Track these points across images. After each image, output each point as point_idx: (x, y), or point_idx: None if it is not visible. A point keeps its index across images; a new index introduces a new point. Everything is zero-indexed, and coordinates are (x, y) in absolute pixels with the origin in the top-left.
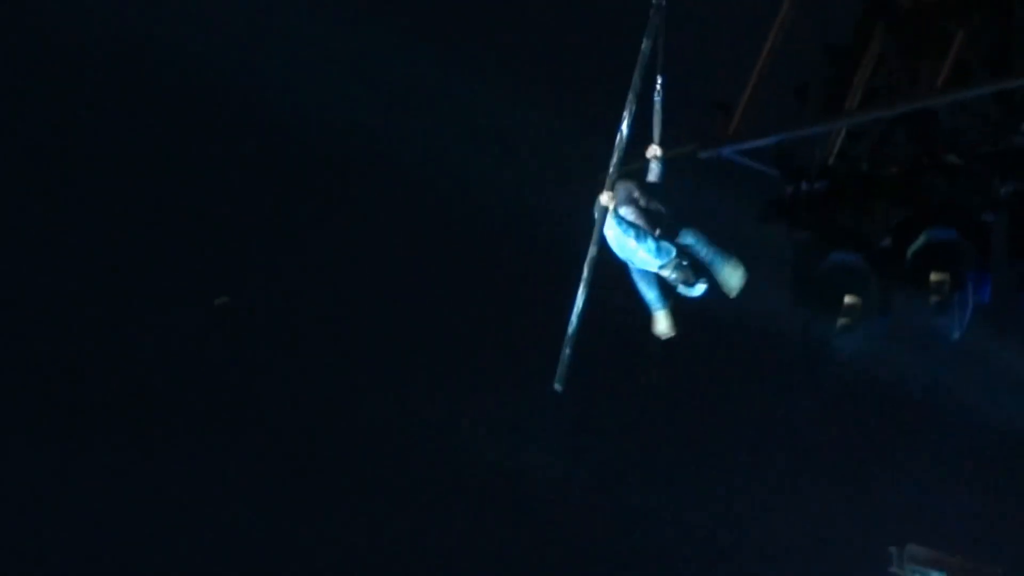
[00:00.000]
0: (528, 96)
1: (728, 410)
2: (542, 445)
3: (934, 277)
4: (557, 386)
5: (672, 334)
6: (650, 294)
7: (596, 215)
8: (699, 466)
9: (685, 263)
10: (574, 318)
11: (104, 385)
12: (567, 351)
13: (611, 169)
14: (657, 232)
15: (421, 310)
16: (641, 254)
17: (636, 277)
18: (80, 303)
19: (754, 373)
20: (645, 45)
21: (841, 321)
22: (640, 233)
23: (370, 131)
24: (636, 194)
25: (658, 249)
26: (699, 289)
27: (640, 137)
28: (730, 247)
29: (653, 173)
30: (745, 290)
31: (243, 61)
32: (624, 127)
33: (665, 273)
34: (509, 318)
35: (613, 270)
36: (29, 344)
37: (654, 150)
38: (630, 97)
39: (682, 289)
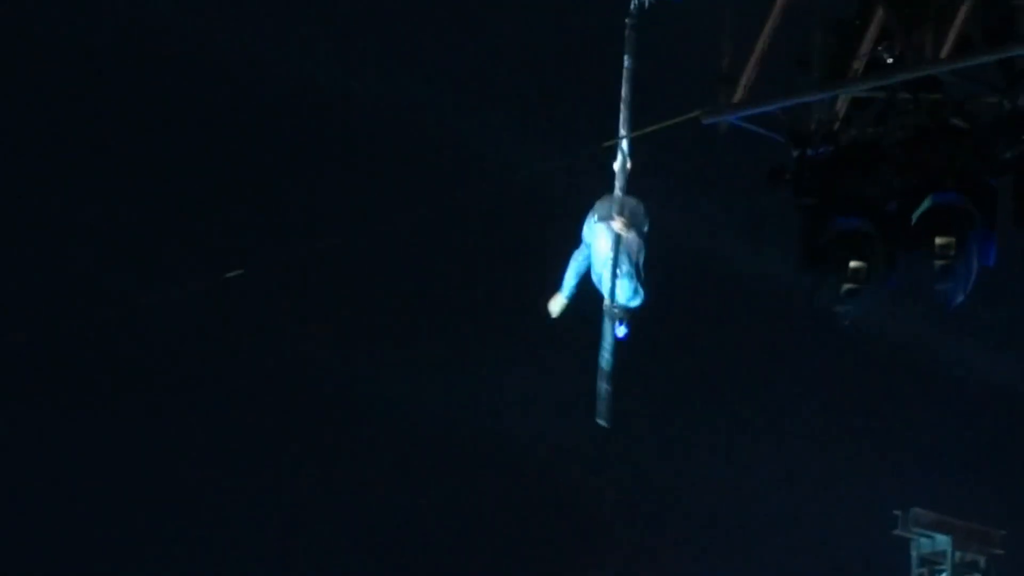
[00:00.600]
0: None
1: (734, 376)
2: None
3: (939, 241)
4: (602, 422)
5: (554, 316)
6: (571, 280)
7: (611, 245)
8: (705, 432)
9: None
10: (607, 353)
11: (115, 358)
12: (605, 387)
13: (618, 192)
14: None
15: (445, 282)
16: (605, 286)
17: (578, 258)
18: (89, 277)
19: (760, 338)
20: (628, 62)
21: (847, 285)
22: (632, 272)
23: (391, 105)
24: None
25: (634, 292)
26: (619, 330)
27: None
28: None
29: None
30: (753, 257)
31: (251, 35)
32: (624, 145)
33: (609, 302)
34: (531, 287)
35: None
36: (42, 318)
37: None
38: (623, 117)
39: (607, 320)
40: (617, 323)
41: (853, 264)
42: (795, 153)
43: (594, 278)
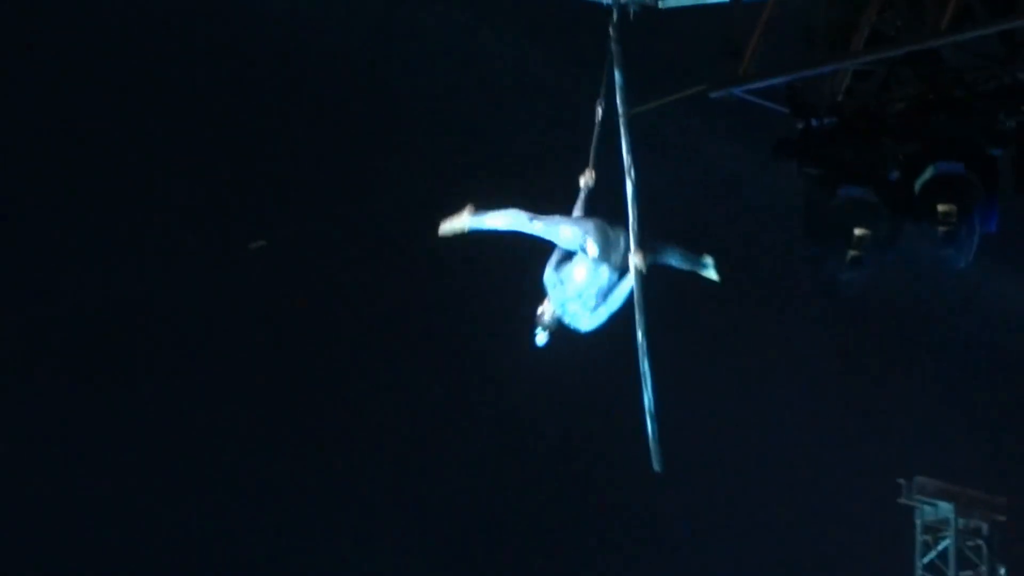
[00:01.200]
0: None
1: (738, 345)
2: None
3: (942, 208)
4: (657, 467)
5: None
6: (492, 221)
7: (633, 280)
8: (704, 401)
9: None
10: (649, 392)
11: (136, 329)
12: (652, 426)
13: (632, 223)
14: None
15: (465, 256)
16: (579, 312)
17: (518, 221)
18: (112, 249)
19: (765, 307)
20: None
21: (851, 253)
22: (599, 306)
23: (413, 85)
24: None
25: (591, 325)
26: (540, 337)
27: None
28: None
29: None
30: (759, 227)
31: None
32: (629, 183)
33: (554, 314)
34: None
35: None
36: (66, 288)
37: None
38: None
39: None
40: (541, 330)
41: (857, 232)
42: (799, 125)
43: (559, 310)
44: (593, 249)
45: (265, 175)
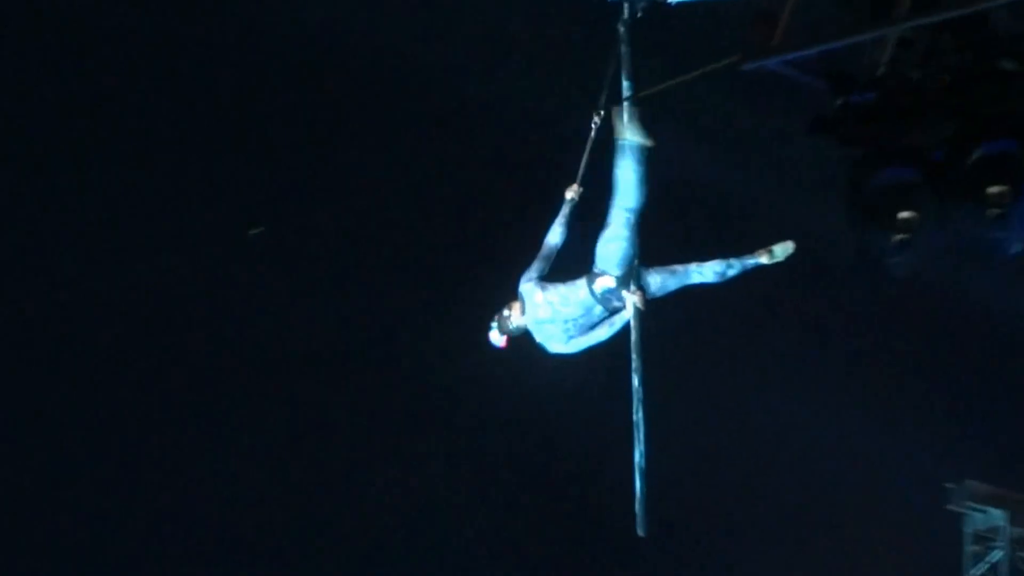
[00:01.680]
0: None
1: (780, 337)
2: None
3: (992, 189)
4: (640, 532)
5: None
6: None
7: (631, 319)
8: (750, 396)
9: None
10: (640, 444)
11: (131, 318)
12: (640, 487)
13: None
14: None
15: (465, 237)
16: (553, 335)
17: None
18: (107, 233)
19: (807, 298)
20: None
21: (896, 238)
22: (577, 336)
23: (421, 62)
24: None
25: (562, 348)
26: (499, 340)
27: None
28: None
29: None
30: (795, 211)
31: None
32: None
33: (522, 325)
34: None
35: None
36: (58, 276)
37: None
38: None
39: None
40: (499, 333)
41: (902, 215)
42: (838, 100)
43: (532, 325)
44: (608, 282)
45: (265, 157)
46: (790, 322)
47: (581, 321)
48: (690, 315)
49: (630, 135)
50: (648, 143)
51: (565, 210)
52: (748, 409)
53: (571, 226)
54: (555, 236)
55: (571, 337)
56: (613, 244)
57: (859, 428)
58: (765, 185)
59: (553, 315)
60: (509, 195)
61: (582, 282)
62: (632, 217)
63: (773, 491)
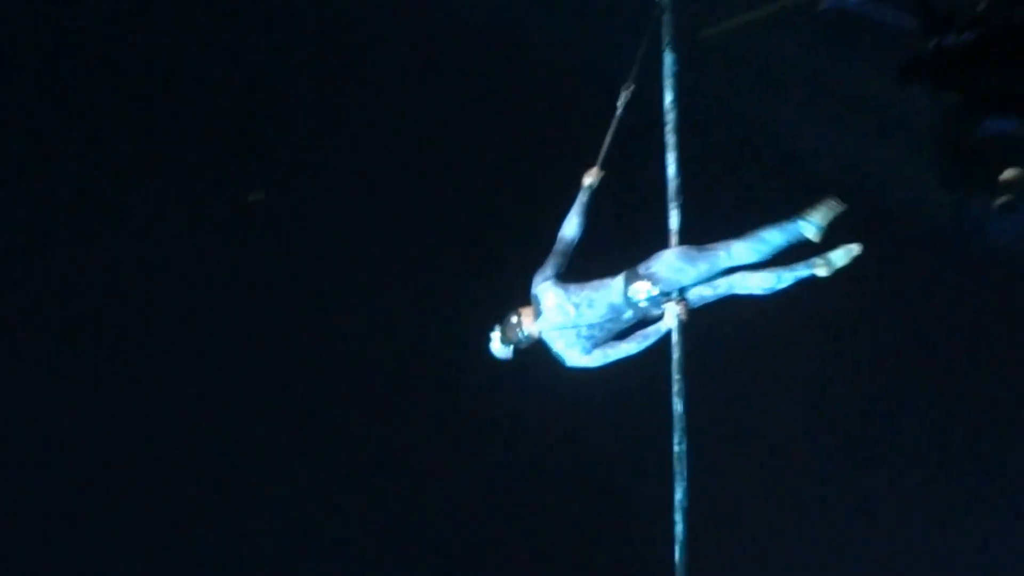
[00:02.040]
0: None
1: (864, 308)
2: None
3: None
4: None
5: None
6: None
7: (673, 333)
8: (816, 420)
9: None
10: (682, 480)
11: (127, 286)
12: (681, 529)
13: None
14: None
15: (481, 203)
16: (571, 343)
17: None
18: (103, 197)
19: (897, 269)
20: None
21: (999, 199)
22: (601, 346)
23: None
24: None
25: (581, 360)
26: (504, 352)
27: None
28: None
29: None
30: (879, 171)
31: None
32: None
33: (535, 334)
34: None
35: None
36: (50, 243)
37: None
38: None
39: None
40: (504, 344)
41: (1006, 173)
42: (931, 42)
43: (547, 333)
44: (649, 287)
45: (266, 119)
46: (869, 315)
47: (607, 327)
48: (742, 322)
49: (815, 217)
50: (813, 237)
51: (583, 198)
52: (815, 437)
53: (589, 217)
54: (572, 228)
55: (592, 347)
56: (691, 269)
57: (971, 418)
58: (845, 140)
59: (574, 319)
60: (539, 166)
61: (617, 283)
62: (731, 264)
63: (835, 540)
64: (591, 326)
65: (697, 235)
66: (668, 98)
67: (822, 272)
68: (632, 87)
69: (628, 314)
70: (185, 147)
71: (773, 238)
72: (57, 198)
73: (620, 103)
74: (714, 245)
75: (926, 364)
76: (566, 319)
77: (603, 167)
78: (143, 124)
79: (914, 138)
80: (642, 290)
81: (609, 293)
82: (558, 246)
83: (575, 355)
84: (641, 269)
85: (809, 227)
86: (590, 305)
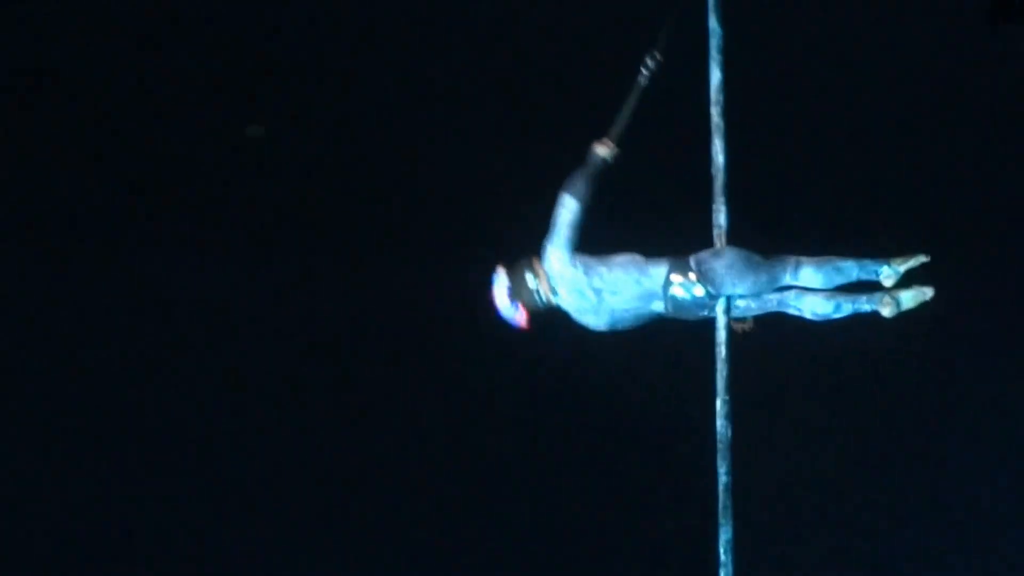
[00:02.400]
0: None
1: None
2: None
3: None
4: None
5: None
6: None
7: (721, 348)
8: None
9: None
10: (727, 520)
11: (122, 216)
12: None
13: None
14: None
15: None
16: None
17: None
18: (93, 130)
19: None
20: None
21: None
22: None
23: None
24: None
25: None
26: (517, 316)
27: None
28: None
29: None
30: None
31: None
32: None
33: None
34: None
35: None
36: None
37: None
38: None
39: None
40: (512, 305)
41: None
42: None
43: (562, 300)
44: (695, 287)
45: (266, 50)
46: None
47: (631, 312)
48: (799, 337)
49: (899, 265)
50: (888, 284)
51: (592, 170)
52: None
53: (597, 190)
54: (579, 196)
55: (612, 323)
56: (751, 277)
57: None
58: (922, 93)
59: (594, 305)
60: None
61: (657, 271)
62: (791, 283)
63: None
64: (612, 312)
65: (745, 236)
66: (715, 76)
67: (887, 312)
68: (658, 57)
69: (658, 306)
70: (186, 82)
71: (848, 271)
72: (52, 132)
73: (643, 74)
74: (782, 259)
75: (987, 411)
76: (583, 304)
77: (620, 144)
78: (141, 59)
79: (1005, 94)
80: (688, 286)
81: (642, 280)
82: (568, 215)
83: (591, 320)
84: (693, 262)
85: (890, 273)
86: (614, 292)
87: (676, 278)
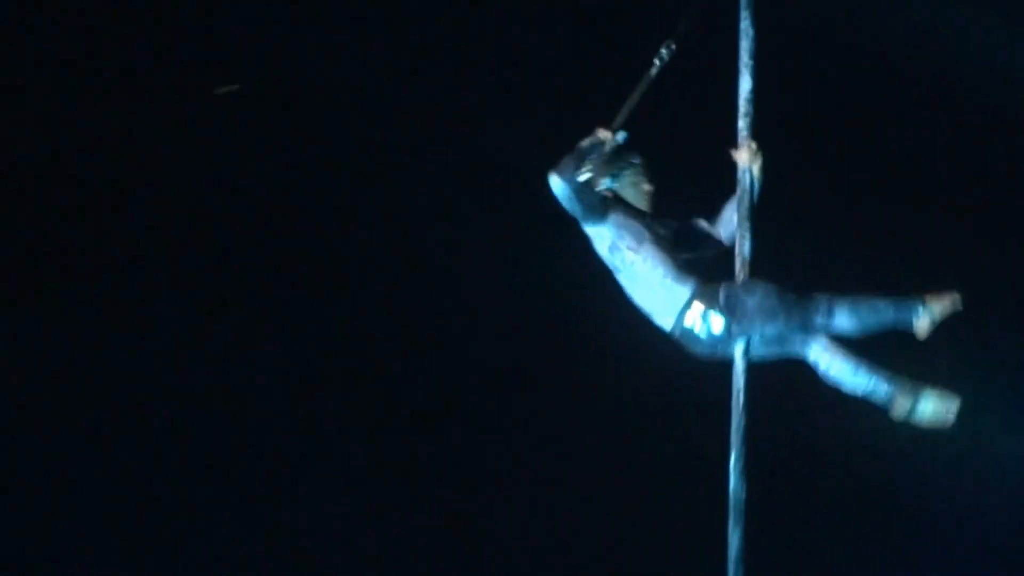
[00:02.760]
0: None
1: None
2: None
3: None
4: None
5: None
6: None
7: (741, 391)
8: None
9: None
10: (739, 526)
11: (98, 178)
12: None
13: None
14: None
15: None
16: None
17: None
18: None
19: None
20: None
21: None
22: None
23: None
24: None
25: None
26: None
27: None
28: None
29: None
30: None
31: None
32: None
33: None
34: None
35: None
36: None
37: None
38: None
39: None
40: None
41: None
42: None
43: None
44: (714, 318)
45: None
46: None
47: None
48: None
49: (935, 307)
50: (921, 330)
51: (583, 151)
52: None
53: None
54: (564, 175)
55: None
56: (782, 316)
57: None
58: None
59: (614, 263)
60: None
61: (679, 291)
62: (822, 324)
63: None
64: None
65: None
66: (745, 84)
67: (898, 411)
68: (673, 47)
69: (667, 323)
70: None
71: (884, 312)
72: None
73: (656, 65)
74: (816, 297)
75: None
76: (603, 250)
77: (622, 131)
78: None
79: None
80: (707, 318)
81: (660, 292)
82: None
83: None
84: (722, 295)
85: (925, 316)
86: (632, 278)
87: (698, 306)
